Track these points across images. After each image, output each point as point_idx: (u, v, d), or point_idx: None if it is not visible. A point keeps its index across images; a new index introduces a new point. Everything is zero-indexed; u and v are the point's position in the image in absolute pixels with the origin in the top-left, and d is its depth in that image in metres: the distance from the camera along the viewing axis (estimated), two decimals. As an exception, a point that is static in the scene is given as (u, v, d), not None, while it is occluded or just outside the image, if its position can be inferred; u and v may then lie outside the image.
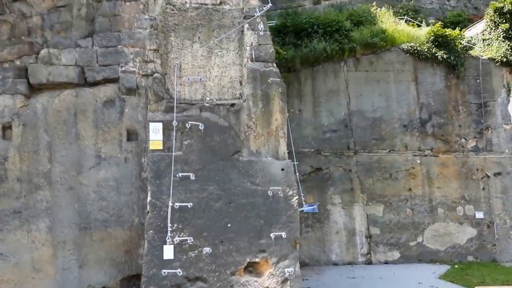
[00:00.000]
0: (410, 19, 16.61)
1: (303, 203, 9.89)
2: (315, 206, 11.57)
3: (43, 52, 8.09)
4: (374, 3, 16.41)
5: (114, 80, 8.19)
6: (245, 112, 8.39)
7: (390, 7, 16.84)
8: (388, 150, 13.36)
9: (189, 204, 7.62)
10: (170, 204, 7.52)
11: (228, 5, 9.22)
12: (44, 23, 8.24)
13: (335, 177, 13.03)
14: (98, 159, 8.01)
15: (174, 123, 7.99)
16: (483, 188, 13.65)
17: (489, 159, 13.85)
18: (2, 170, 7.81)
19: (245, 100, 8.47)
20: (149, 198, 7.60)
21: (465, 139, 13.89)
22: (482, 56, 14.59)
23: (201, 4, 9.09)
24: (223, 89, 8.80)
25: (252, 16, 9.07)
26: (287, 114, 8.87)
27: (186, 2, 9.02)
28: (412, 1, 19.21)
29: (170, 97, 8.35)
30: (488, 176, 13.70)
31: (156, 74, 8.34)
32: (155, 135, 7.99)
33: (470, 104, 14.10)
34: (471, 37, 15.59)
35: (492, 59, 14.46)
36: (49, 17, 8.27)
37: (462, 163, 13.68)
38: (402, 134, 13.51)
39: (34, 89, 8.11)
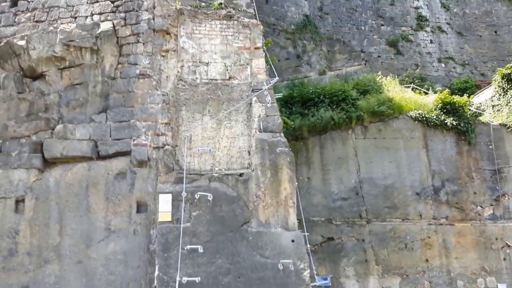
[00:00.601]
0: (417, 87, 16.95)
1: (315, 276, 9.55)
2: (328, 280, 11.13)
3: (59, 127, 8.41)
4: (379, 73, 16.87)
5: (126, 153, 8.39)
6: (254, 182, 8.42)
7: (396, 76, 17.29)
8: (402, 219, 13.02)
9: (197, 279, 7.43)
10: (177, 278, 7.35)
11: (237, 80, 9.61)
12: (61, 100, 8.65)
13: (348, 248, 12.63)
14: (107, 232, 7.99)
15: (184, 194, 8.02)
16: (504, 259, 13.03)
17: (508, 227, 13.36)
18: (12, 244, 7.83)
19: (253, 170, 8.54)
20: (156, 272, 7.45)
21: (481, 207, 13.52)
22: (492, 122, 14.62)
23: (211, 79, 9.49)
24: (232, 159, 8.91)
25: (260, 89, 9.40)
26: (296, 183, 8.87)
27: (197, 78, 9.43)
28: (417, 70, 19.74)
29: (180, 168, 8.48)
30: (509, 246, 13.15)
31: (167, 147, 8.53)
32: (165, 206, 8.01)
33: (484, 171, 13.88)
34: (480, 103, 15.73)
35: (503, 125, 14.42)
36: (65, 94, 8.70)
37: (479, 232, 13.20)
38: (415, 202, 13.22)
39: (48, 163, 8.34)
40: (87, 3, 9.63)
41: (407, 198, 13.25)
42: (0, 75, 8.46)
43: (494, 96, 15.46)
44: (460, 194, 13.53)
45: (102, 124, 8.54)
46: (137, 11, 9.40)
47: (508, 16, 21.89)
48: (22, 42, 8.75)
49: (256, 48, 9.88)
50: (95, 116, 8.61)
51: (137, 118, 8.63)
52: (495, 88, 15.40)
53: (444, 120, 13.95)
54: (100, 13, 9.48)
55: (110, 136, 8.46)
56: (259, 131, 8.88)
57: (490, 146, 14.12)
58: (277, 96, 10.34)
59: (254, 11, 10.66)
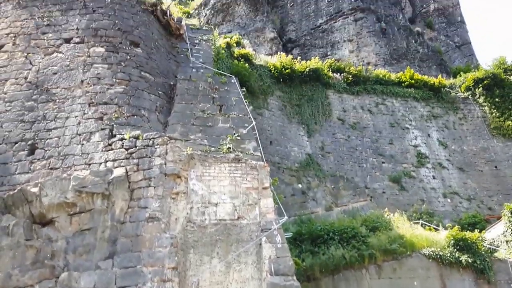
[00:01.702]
0: (426, 223, 16.77)
1: None
2: None
3: (63, 275, 8.11)
4: (386, 209, 16.88)
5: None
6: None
7: (403, 212, 17.24)
8: None
9: None
10: None
11: (245, 220, 9.57)
12: (68, 246, 8.50)
13: None
14: None
15: None
16: None
17: None
18: None
19: (266, 319, 7.95)
20: None
21: None
22: (509, 258, 14.10)
23: (220, 220, 9.46)
24: (242, 306, 8.38)
25: (269, 229, 9.30)
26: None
27: (205, 219, 9.41)
28: (424, 205, 19.75)
29: (186, 318, 7.92)
30: None
31: (173, 294, 8.10)
32: None
33: (509, 313, 12.94)
34: (493, 239, 15.39)
35: (521, 262, 13.92)
36: (73, 240, 8.58)
37: None
38: None
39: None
40: (101, 150, 10.12)
41: None
42: (10, 222, 8.47)
43: (507, 231, 15.20)
44: None
45: (107, 271, 8.25)
46: (150, 157, 9.83)
47: (505, 151, 22.74)
48: (35, 189, 8.96)
49: (264, 188, 10.07)
50: (101, 263, 8.36)
51: (144, 264, 8.36)
52: (506, 223, 15.23)
53: (459, 257, 13.51)
54: (114, 160, 9.89)
55: (115, 283, 8.10)
56: (270, 274, 8.52)
57: (511, 284, 13.40)
58: (287, 236, 10.18)
59: (261, 153, 11.15)
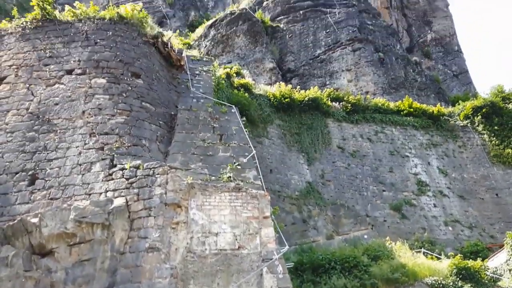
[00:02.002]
0: (428, 252, 16.59)
1: None
2: None
3: (61, 309, 8.01)
4: (388, 238, 16.75)
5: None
6: None
7: (405, 240, 17.09)
8: None
9: None
10: None
11: (246, 249, 9.50)
12: (67, 277, 8.41)
13: None
14: None
15: None
16: None
17: None
18: None
19: None
20: None
21: None
22: (512, 288, 13.92)
23: (220, 250, 9.39)
24: None
25: (270, 259, 9.23)
26: None
27: (206, 249, 9.34)
28: (425, 233, 19.58)
29: None
30: None
31: (172, 327, 7.96)
32: None
33: None
34: (496, 268, 15.21)
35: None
36: (72, 271, 8.50)
37: None
38: None
39: None
40: (102, 180, 10.14)
41: None
42: (9, 253, 8.41)
43: (510, 260, 15.05)
44: None
45: (106, 302, 8.14)
46: (150, 186, 9.85)
47: (506, 179, 22.71)
48: (35, 220, 8.94)
49: (265, 217, 10.04)
50: (100, 294, 8.27)
51: (143, 295, 8.25)
52: (509, 251, 15.10)
53: (462, 286, 13.36)
54: (114, 190, 9.90)
55: (114, 315, 7.98)
56: (271, 306, 8.39)
57: (515, 313, 13.17)
58: (288, 266, 10.07)
59: (261, 182, 11.17)
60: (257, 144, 19.32)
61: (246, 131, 13.05)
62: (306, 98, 22.65)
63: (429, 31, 43.45)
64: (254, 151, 11.95)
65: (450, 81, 39.85)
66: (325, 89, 25.90)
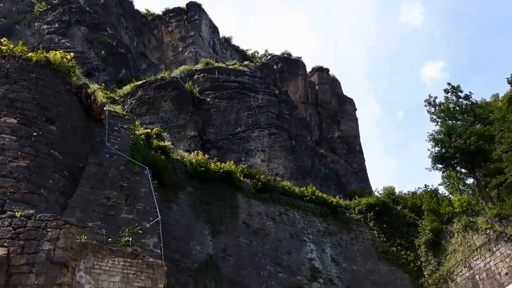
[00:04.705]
0: None
1: None
2: None
3: None
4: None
5: None
6: None
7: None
8: None
9: None
10: None
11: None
12: None
13: None
14: None
15: None
16: None
17: None
18: None
19: None
20: None
21: None
22: None
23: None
24: None
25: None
26: None
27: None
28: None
29: None
30: None
31: None
32: None
33: None
34: None
35: None
36: None
37: None
38: None
39: None
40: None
41: None
42: None
43: None
44: None
45: None
46: (38, 240, 9.29)
47: (389, 276, 24.38)
48: None
49: (157, 289, 9.81)
50: None
51: None
52: None
53: None
54: (-2, 240, 9.16)
55: None
56: None
57: None
58: None
59: (161, 250, 11.03)
60: (165, 208, 19.02)
61: (155, 194, 13.00)
62: (221, 170, 23.14)
63: (336, 129, 48.54)
64: (159, 217, 11.87)
65: (350, 176, 43.63)
66: (240, 164, 26.74)
